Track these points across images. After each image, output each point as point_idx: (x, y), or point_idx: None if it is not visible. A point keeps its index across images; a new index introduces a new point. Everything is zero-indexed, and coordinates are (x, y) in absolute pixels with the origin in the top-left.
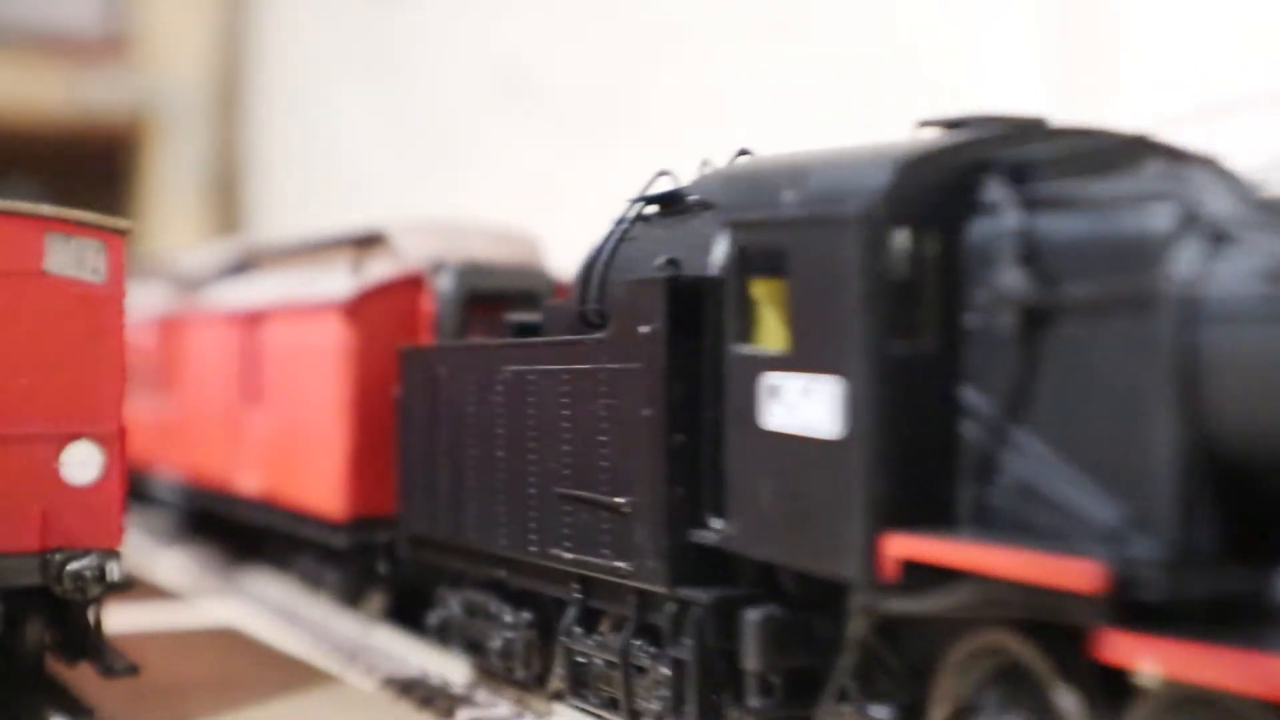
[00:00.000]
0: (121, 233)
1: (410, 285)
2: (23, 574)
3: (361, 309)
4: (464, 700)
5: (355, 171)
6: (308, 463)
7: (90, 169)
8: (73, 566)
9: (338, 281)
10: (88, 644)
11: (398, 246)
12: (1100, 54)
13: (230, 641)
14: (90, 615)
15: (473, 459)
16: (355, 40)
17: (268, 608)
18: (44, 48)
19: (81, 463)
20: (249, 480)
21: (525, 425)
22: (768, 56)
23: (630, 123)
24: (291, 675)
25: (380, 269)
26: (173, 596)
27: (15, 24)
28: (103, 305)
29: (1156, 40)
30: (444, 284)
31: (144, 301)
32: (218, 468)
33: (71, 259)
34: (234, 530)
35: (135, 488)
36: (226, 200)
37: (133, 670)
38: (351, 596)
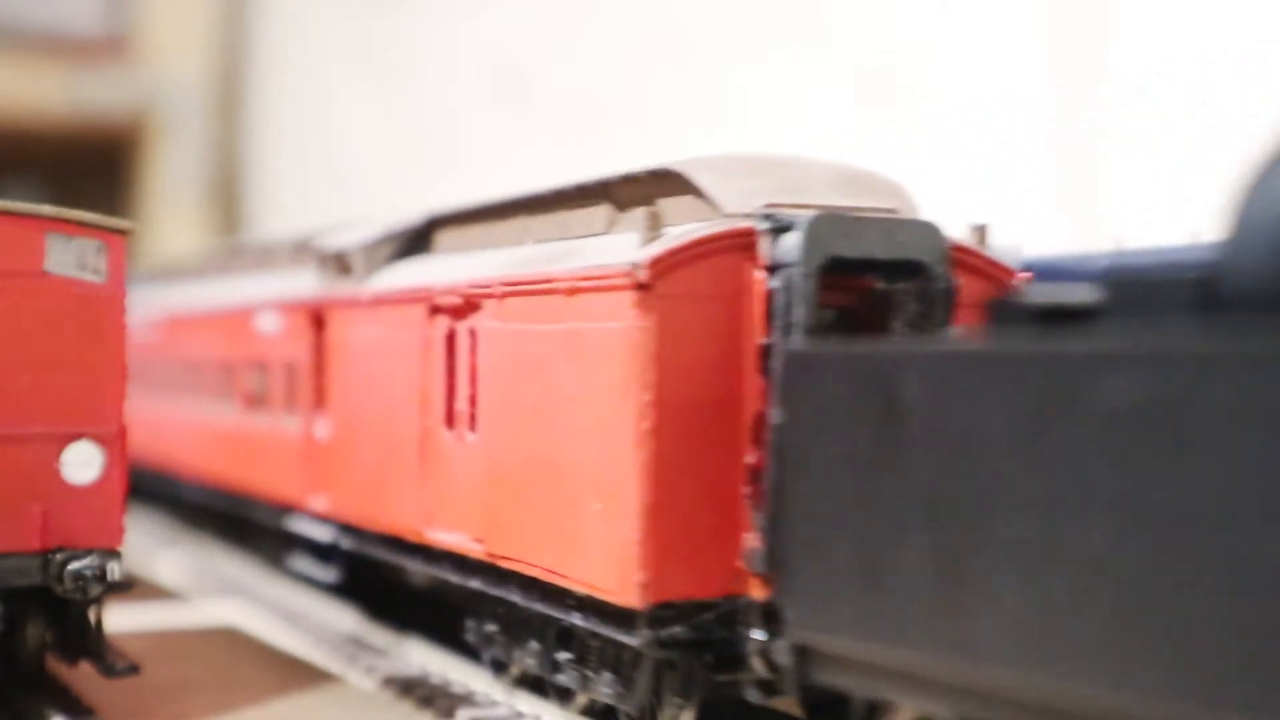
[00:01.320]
0: (122, 233)
1: (734, 246)
2: (23, 574)
3: (664, 282)
4: (464, 700)
5: (355, 171)
6: (568, 515)
7: (90, 169)
8: (73, 566)
9: (611, 245)
10: (88, 644)
11: (705, 191)
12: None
13: (230, 641)
14: (91, 615)
15: (1004, 540)
16: (355, 41)
17: (268, 608)
18: (44, 48)
19: (82, 463)
20: (454, 531)
21: (1175, 492)
22: (767, 56)
23: (630, 124)
24: (291, 675)
25: (678, 227)
26: (173, 596)
27: (15, 24)
28: (103, 305)
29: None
30: (787, 246)
31: (279, 291)
32: (399, 510)
33: (72, 259)
34: (411, 592)
35: (278, 528)
36: (227, 200)
37: (133, 670)
38: (644, 713)
